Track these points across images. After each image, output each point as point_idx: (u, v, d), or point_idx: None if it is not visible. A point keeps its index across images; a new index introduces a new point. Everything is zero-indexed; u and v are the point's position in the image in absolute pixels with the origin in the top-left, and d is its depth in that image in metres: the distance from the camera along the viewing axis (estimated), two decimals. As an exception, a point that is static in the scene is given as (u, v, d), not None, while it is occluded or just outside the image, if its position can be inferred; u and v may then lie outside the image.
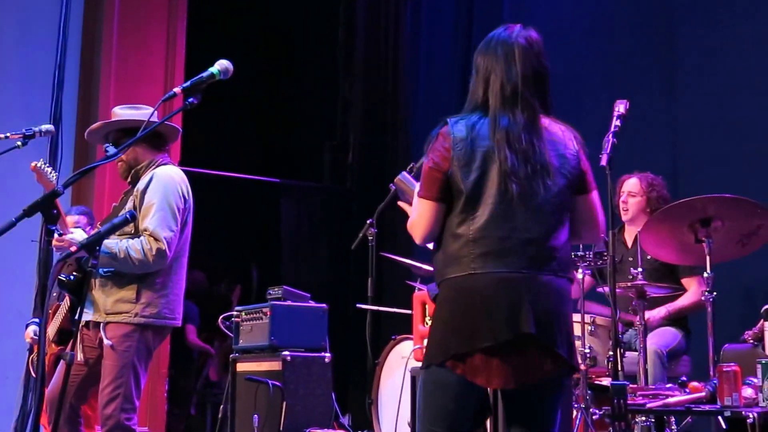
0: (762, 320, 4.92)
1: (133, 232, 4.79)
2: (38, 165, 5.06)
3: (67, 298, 5.21)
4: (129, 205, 4.88)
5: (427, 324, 5.94)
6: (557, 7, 8.52)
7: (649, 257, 5.78)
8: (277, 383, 6.05)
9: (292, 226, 10.50)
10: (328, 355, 6.35)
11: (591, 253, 5.66)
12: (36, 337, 5.83)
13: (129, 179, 5.04)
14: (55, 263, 6.01)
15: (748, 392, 4.30)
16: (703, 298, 5.04)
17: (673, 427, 5.42)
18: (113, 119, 5.07)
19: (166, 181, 4.91)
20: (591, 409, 5.45)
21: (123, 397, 4.72)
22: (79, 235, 4.83)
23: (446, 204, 3.32)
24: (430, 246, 3.46)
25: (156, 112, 4.51)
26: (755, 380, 4.31)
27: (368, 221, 7.14)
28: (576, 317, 5.60)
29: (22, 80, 8.32)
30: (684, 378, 4.94)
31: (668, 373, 5.70)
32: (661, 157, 7.30)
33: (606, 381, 5.58)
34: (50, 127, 5.30)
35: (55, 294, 5.86)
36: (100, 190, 8.04)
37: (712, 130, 7.18)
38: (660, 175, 6.31)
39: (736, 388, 4.24)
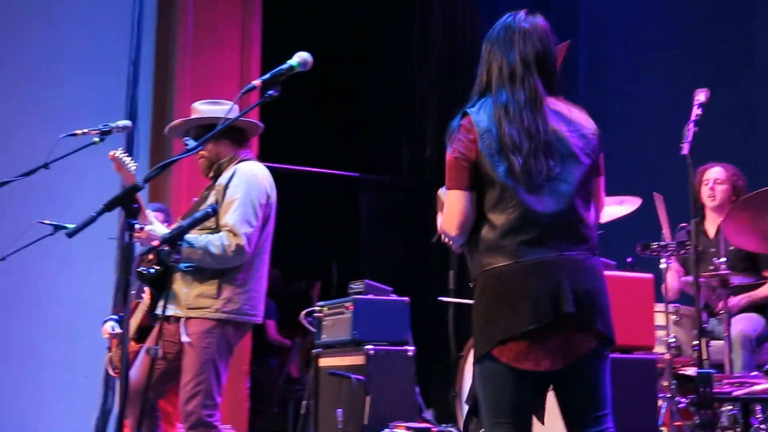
0: None
1: (214, 227, 4.75)
2: (117, 154, 5.04)
3: (146, 294, 5.16)
4: (211, 200, 4.84)
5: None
6: (634, -2, 8.51)
7: (731, 248, 5.82)
8: (361, 377, 6.01)
9: (371, 221, 10.51)
10: (411, 348, 6.30)
11: (674, 243, 5.73)
12: (114, 333, 5.79)
13: (211, 175, 5.01)
14: (137, 256, 6.02)
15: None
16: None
17: (758, 416, 5.35)
18: (193, 115, 5.06)
19: (249, 176, 4.88)
20: (676, 398, 5.47)
21: (204, 393, 4.69)
22: (159, 228, 4.81)
23: (476, 193, 3.32)
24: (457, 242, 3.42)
25: (236, 106, 4.51)
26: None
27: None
28: (659, 307, 5.69)
29: (96, 77, 8.37)
30: (768, 366, 4.97)
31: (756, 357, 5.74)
32: (737, 147, 7.25)
33: (691, 370, 5.53)
34: (127, 122, 5.29)
35: (133, 291, 5.85)
36: (178, 186, 8.07)
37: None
38: (736, 164, 6.36)
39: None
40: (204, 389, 4.69)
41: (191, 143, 4.56)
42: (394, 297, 6.51)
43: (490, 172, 3.27)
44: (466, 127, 3.34)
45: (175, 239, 3.86)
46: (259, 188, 4.86)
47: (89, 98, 8.20)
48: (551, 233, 3.25)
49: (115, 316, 5.96)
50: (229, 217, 4.73)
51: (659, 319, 5.72)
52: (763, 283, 5.98)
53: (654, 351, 5.34)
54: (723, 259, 5.46)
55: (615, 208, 6.19)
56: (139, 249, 5.04)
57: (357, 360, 6.15)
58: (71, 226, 5.70)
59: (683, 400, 5.49)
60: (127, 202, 3.45)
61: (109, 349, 5.90)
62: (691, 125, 4.59)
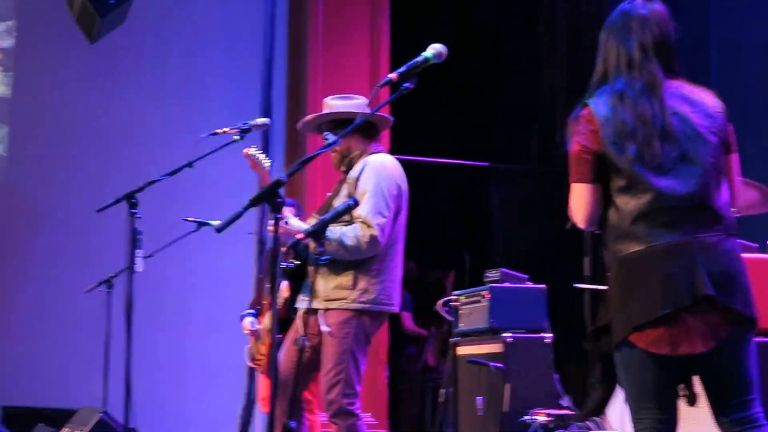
0: None
1: (347, 219, 4.78)
2: (251, 152, 5.14)
3: (283, 288, 5.26)
4: (343, 193, 4.90)
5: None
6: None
7: None
8: (500, 365, 6.02)
9: (503, 210, 10.47)
10: (549, 335, 6.28)
11: None
12: (253, 329, 5.90)
13: (343, 168, 5.06)
14: (268, 251, 6.10)
15: None
16: None
17: None
18: (325, 110, 5.10)
19: (379, 168, 4.91)
20: None
21: (344, 382, 4.75)
22: (297, 222, 4.89)
23: (602, 184, 3.31)
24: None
25: (368, 100, 4.50)
26: None
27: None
28: None
29: (230, 77, 8.55)
30: None
31: None
32: None
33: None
34: (266, 120, 5.40)
35: (269, 285, 5.94)
36: (312, 181, 8.17)
37: None
38: None
39: None
40: (344, 378, 4.75)
41: (331, 137, 4.61)
42: (530, 284, 6.49)
43: (614, 159, 3.26)
44: (586, 118, 3.33)
45: (318, 232, 3.90)
46: (389, 179, 4.89)
47: (226, 98, 8.39)
48: (683, 216, 3.22)
49: (252, 311, 6.06)
50: (362, 208, 4.75)
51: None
52: None
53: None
54: None
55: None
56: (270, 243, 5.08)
57: (495, 348, 6.14)
58: (215, 222, 5.89)
59: None
60: (272, 197, 3.49)
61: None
62: None
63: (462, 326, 6.58)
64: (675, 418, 3.30)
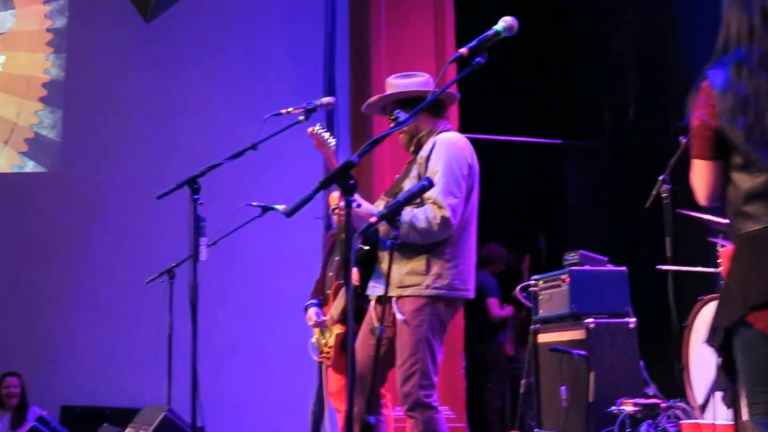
0: None
1: (418, 201, 4.60)
2: (315, 130, 5.10)
3: (354, 274, 5.05)
4: (414, 174, 4.76)
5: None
6: None
7: None
8: (583, 352, 5.87)
9: (577, 189, 10.31)
10: (632, 320, 6.12)
11: None
12: (318, 320, 5.76)
13: (412, 149, 4.92)
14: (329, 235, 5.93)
15: None
16: None
17: None
18: (388, 90, 4.98)
19: (449, 147, 4.76)
20: None
21: (420, 373, 4.59)
22: (367, 205, 4.74)
23: (723, 160, 3.21)
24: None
25: (431, 78, 4.49)
26: None
27: (660, 177, 6.71)
28: None
29: (293, 57, 8.41)
30: None
31: None
32: None
33: None
34: (331, 99, 5.33)
35: (332, 273, 5.78)
36: (380, 162, 8.06)
37: None
38: None
39: None
40: (420, 368, 4.58)
41: (402, 116, 4.52)
42: (610, 267, 6.36)
43: (731, 135, 3.14)
44: (705, 90, 3.20)
45: (392, 215, 3.80)
46: (459, 159, 4.75)
47: (287, 78, 8.25)
48: None
49: (315, 301, 5.93)
50: (432, 189, 4.54)
51: None
52: None
53: None
54: None
55: None
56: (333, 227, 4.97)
57: (577, 334, 6.02)
58: (279, 207, 5.72)
59: None
60: (343, 179, 3.35)
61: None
62: None
63: (542, 312, 6.48)
64: None
